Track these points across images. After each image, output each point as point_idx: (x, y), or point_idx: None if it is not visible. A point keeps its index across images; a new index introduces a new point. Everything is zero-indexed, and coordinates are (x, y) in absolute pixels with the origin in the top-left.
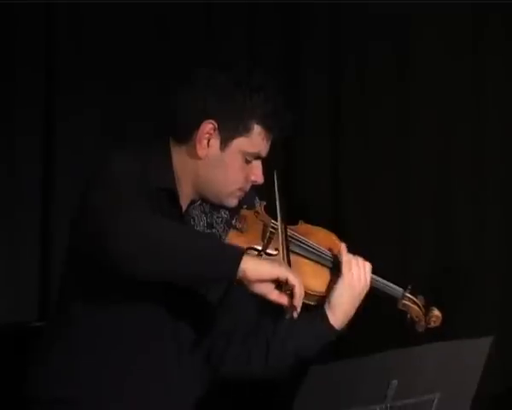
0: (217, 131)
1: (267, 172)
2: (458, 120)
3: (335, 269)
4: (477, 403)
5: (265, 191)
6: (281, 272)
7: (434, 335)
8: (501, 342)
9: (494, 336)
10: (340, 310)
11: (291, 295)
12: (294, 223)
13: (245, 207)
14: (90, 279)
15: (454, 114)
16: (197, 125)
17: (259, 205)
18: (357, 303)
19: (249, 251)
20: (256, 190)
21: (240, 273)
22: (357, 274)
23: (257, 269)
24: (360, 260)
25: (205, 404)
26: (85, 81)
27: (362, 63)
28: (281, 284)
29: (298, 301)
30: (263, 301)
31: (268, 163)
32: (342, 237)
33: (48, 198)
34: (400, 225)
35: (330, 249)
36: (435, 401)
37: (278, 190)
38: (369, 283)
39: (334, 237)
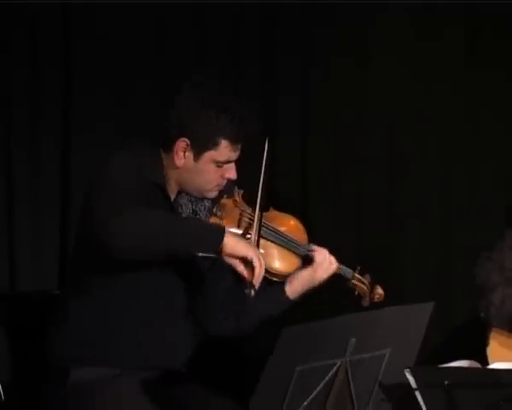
0: (190, 147)
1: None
2: (408, 122)
3: (300, 255)
4: (421, 356)
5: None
6: (249, 253)
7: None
8: (440, 308)
9: (435, 302)
10: (299, 288)
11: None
12: (266, 209)
13: (225, 196)
14: (98, 260)
15: (405, 119)
16: (174, 141)
17: (238, 194)
18: (314, 286)
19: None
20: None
21: (220, 246)
22: (323, 269)
23: (233, 246)
24: (326, 253)
25: (196, 359)
26: (98, 92)
27: (329, 69)
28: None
29: (256, 280)
30: (234, 275)
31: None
32: (308, 224)
33: (66, 189)
34: (357, 214)
35: (296, 235)
36: (387, 356)
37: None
38: (330, 273)
39: (299, 225)
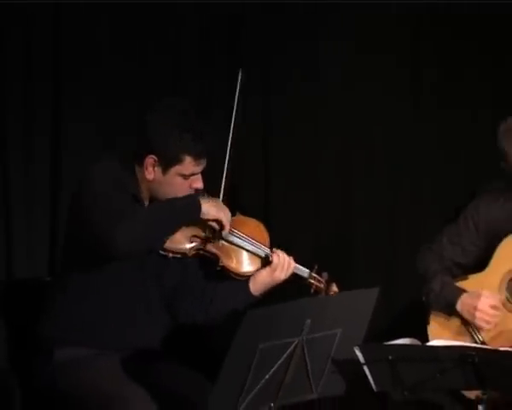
0: (157, 162)
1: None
2: (356, 128)
3: (261, 256)
4: (368, 335)
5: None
6: (219, 214)
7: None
8: (386, 293)
9: (380, 288)
10: (260, 286)
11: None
12: (233, 214)
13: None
14: (84, 260)
15: (354, 124)
16: (144, 157)
17: (203, 196)
18: (275, 284)
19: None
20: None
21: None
22: (282, 269)
23: (207, 209)
24: (286, 257)
25: (166, 341)
26: (86, 96)
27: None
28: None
29: (226, 232)
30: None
31: None
32: (270, 227)
33: (56, 181)
34: (314, 215)
35: (260, 240)
36: (338, 335)
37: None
38: (289, 274)
39: (262, 228)
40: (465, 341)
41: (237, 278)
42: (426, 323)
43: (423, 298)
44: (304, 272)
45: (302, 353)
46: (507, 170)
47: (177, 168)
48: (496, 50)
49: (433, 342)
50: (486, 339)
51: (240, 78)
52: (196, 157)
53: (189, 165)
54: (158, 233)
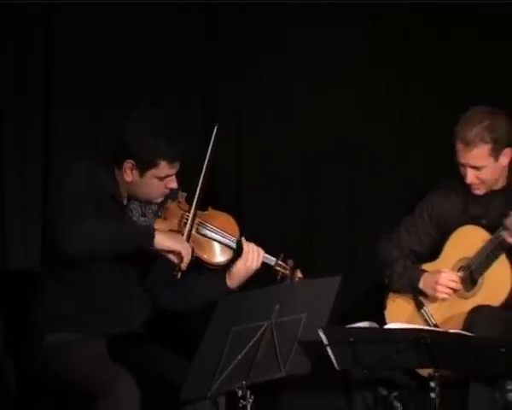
0: (135, 166)
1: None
2: (320, 130)
3: (235, 249)
4: (331, 319)
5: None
6: (177, 246)
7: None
8: (347, 280)
9: (341, 276)
10: (236, 279)
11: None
12: (205, 209)
13: (169, 200)
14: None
15: (317, 126)
16: (122, 162)
17: (181, 197)
18: (249, 275)
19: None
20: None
21: (152, 243)
22: (252, 258)
23: (163, 242)
24: (255, 247)
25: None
26: (76, 103)
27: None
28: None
29: (183, 266)
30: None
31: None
32: (241, 220)
33: (47, 180)
34: (281, 210)
35: (231, 232)
36: (303, 319)
37: (200, 188)
38: (260, 264)
39: (232, 221)
40: (419, 323)
41: (211, 267)
42: (383, 307)
43: (386, 280)
44: (271, 260)
45: (271, 335)
46: (455, 161)
47: (152, 171)
48: (452, 52)
49: (389, 325)
50: (438, 322)
51: (215, 132)
52: (170, 161)
53: (164, 168)
54: (106, 249)
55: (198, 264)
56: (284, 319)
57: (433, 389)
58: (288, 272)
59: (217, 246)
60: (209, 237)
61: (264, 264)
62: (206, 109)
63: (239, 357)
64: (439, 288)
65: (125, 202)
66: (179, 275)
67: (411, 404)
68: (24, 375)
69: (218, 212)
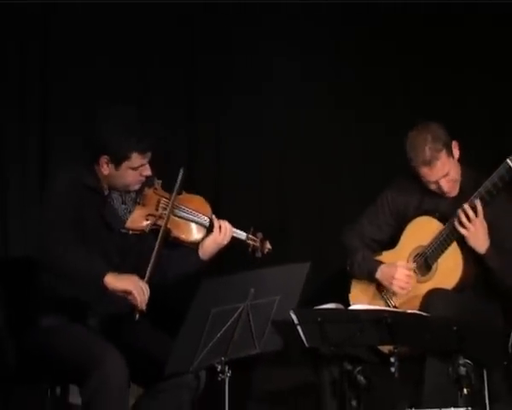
0: (110, 161)
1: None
2: (293, 131)
3: (208, 227)
4: (302, 301)
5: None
6: (128, 287)
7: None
8: (316, 265)
9: (311, 262)
10: (207, 252)
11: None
12: (180, 193)
13: (146, 187)
14: None
15: (292, 126)
16: (98, 158)
17: (157, 184)
18: (219, 248)
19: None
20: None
21: (104, 284)
22: (223, 234)
23: (113, 284)
24: (225, 224)
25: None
26: (72, 107)
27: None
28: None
29: (140, 306)
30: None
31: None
32: (214, 202)
33: (43, 179)
34: (256, 204)
35: (204, 212)
36: (276, 301)
37: (179, 184)
38: (229, 239)
39: (204, 202)
40: (379, 305)
41: (189, 245)
42: (347, 291)
43: (348, 268)
44: (241, 234)
45: (247, 316)
46: (412, 170)
47: (126, 163)
48: (413, 54)
49: (353, 307)
50: (397, 304)
51: (180, 176)
52: (141, 152)
53: (137, 159)
54: (68, 276)
55: (175, 243)
56: (259, 301)
57: (392, 364)
58: (258, 244)
59: (192, 226)
60: (185, 219)
61: (235, 239)
62: (189, 110)
63: (218, 335)
64: (395, 282)
65: (106, 192)
66: (137, 316)
67: (374, 377)
68: (23, 354)
69: (191, 195)
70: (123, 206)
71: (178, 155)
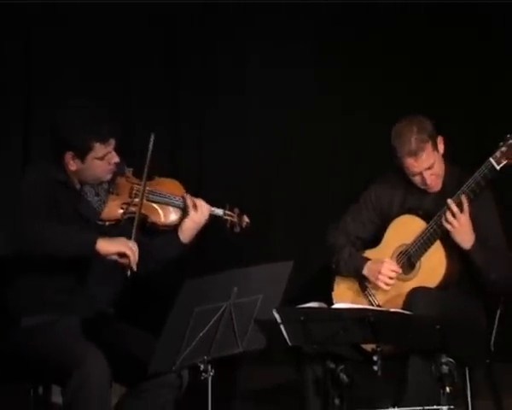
0: (74, 156)
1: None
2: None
3: (181, 207)
4: (284, 299)
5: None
6: (121, 248)
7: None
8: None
9: (293, 261)
10: (187, 234)
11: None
12: (152, 178)
13: (118, 176)
14: None
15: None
16: (63, 155)
17: (128, 171)
18: (199, 228)
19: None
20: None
21: (97, 250)
22: (200, 213)
23: (106, 248)
24: (201, 203)
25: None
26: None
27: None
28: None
29: (132, 265)
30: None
31: None
32: (187, 184)
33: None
34: (238, 202)
35: (178, 194)
36: (259, 300)
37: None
38: (206, 216)
39: (177, 184)
40: (363, 303)
41: (165, 229)
42: (331, 289)
43: (333, 266)
44: (218, 211)
45: (230, 315)
46: (396, 164)
47: (91, 155)
48: (399, 54)
49: (336, 305)
50: (381, 302)
51: (152, 141)
52: (103, 141)
53: (100, 149)
54: (55, 252)
55: (153, 229)
56: (242, 300)
57: (375, 363)
58: (235, 219)
59: (167, 209)
60: (159, 202)
61: (213, 217)
62: (172, 109)
63: (201, 334)
64: (381, 277)
65: (78, 187)
66: (129, 273)
67: (356, 376)
68: (4, 354)
69: (163, 178)
70: (96, 198)
71: (161, 155)
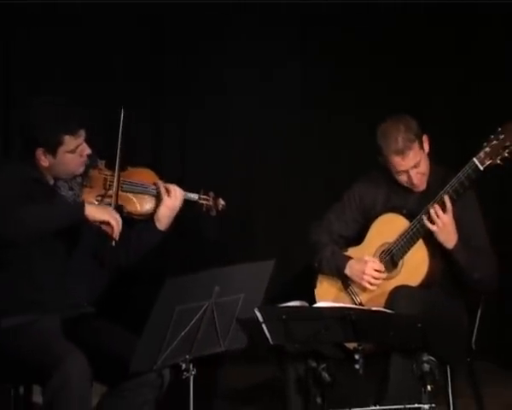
0: (45, 152)
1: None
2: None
3: (155, 195)
4: (266, 298)
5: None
6: (105, 216)
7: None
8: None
9: (275, 260)
10: (163, 221)
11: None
12: (124, 168)
13: (91, 169)
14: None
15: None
16: (34, 151)
17: (101, 164)
18: (174, 213)
19: (89, 201)
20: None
21: (85, 215)
22: (174, 199)
23: (93, 214)
24: (175, 188)
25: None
26: None
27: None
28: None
29: (116, 234)
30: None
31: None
32: (162, 172)
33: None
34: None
35: (150, 182)
36: (241, 299)
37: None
38: (180, 201)
39: (150, 172)
40: (345, 302)
41: (141, 218)
42: (313, 287)
43: (316, 264)
44: (193, 196)
45: (212, 314)
46: (381, 163)
47: (62, 149)
48: (381, 54)
49: (318, 304)
50: (363, 301)
51: (122, 116)
52: (72, 133)
53: (70, 141)
54: (42, 229)
55: (129, 219)
56: (223, 299)
57: (357, 361)
58: (211, 202)
59: (142, 198)
60: (134, 192)
61: (188, 202)
62: (155, 110)
63: (182, 333)
64: (365, 277)
65: (51, 182)
66: (113, 243)
67: (338, 374)
68: None
69: (136, 168)
70: (70, 192)
71: (143, 155)
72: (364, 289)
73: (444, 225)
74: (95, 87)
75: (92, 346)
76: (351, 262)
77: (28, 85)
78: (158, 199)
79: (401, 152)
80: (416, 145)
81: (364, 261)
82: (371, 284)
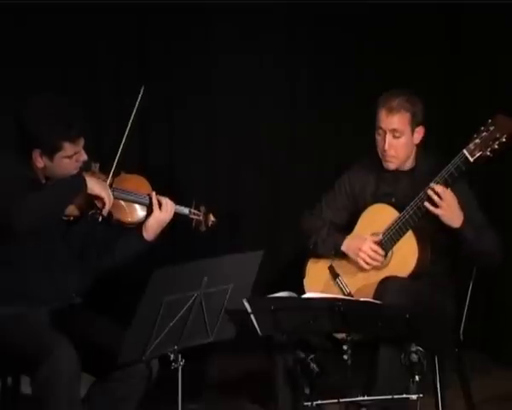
0: (42, 154)
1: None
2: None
3: (145, 204)
4: (255, 289)
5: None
6: (102, 192)
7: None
8: (269, 253)
9: (264, 251)
10: (151, 232)
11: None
12: (118, 173)
13: (84, 173)
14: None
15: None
16: (31, 152)
17: (95, 167)
18: (163, 226)
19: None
20: None
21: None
22: (165, 211)
23: (91, 186)
24: (165, 199)
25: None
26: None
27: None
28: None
29: (104, 211)
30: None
31: None
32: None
33: None
34: (209, 193)
35: (144, 192)
36: (230, 290)
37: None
38: (171, 216)
39: (143, 181)
40: (334, 292)
41: (130, 226)
42: (302, 277)
43: (310, 247)
44: (184, 210)
45: (200, 304)
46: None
47: (60, 154)
48: (364, 52)
49: (307, 295)
50: (352, 291)
51: (141, 94)
52: (72, 141)
53: (69, 148)
54: (51, 211)
55: (117, 225)
56: (212, 289)
57: (345, 352)
58: (201, 218)
59: (132, 206)
60: (125, 200)
61: (178, 215)
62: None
63: (171, 324)
64: (361, 255)
65: (43, 181)
66: (100, 218)
67: (327, 365)
68: None
69: (129, 175)
70: None
71: (129, 148)
72: (353, 280)
73: (448, 205)
74: (77, 76)
75: (81, 337)
76: (348, 238)
77: (14, 73)
78: (149, 209)
79: (389, 109)
80: (406, 116)
81: (364, 239)
82: (366, 262)
